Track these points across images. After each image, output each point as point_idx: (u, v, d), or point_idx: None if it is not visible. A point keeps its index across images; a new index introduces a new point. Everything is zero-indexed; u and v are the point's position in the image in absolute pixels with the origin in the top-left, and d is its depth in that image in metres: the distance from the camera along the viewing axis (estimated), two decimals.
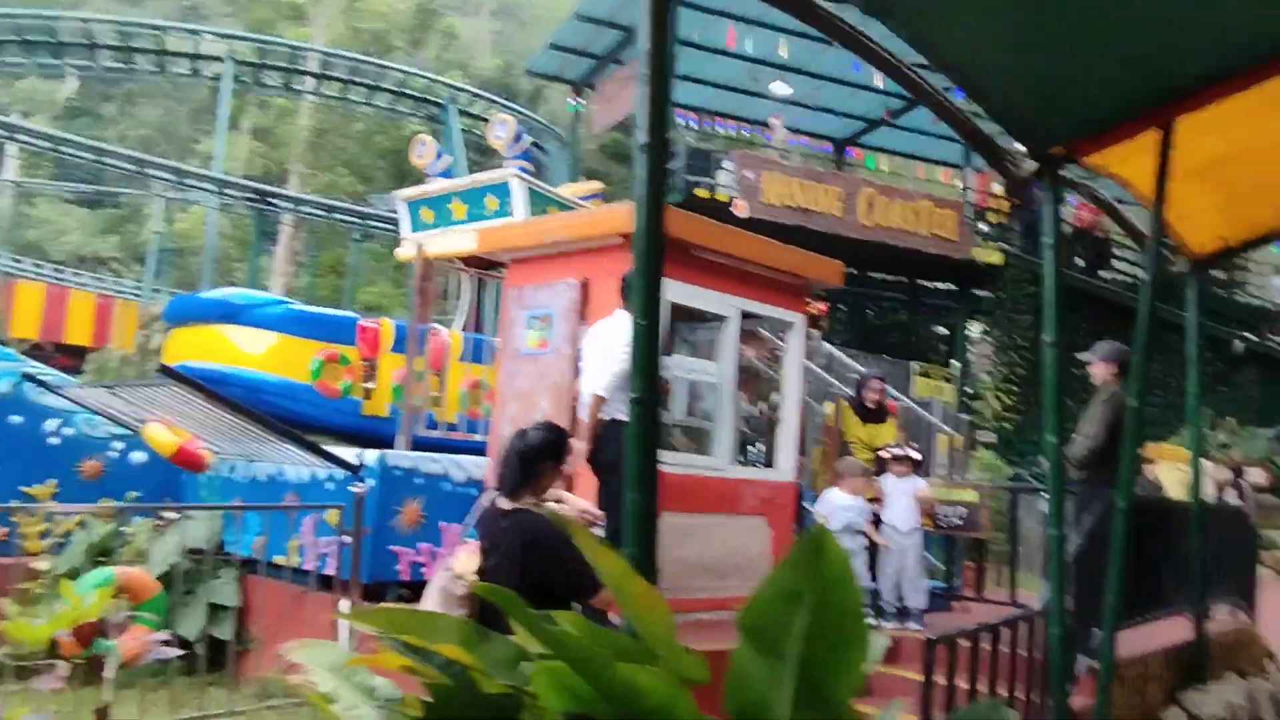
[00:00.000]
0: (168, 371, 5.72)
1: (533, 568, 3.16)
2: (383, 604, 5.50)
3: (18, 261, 23.10)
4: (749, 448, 7.51)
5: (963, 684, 4.35)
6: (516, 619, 1.63)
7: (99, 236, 32.64)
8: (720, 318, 6.30)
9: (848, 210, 16.94)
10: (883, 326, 21.60)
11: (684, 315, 6.80)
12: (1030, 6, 3.85)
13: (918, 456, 7.11)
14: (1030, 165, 4.80)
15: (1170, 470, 12.29)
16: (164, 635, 4.81)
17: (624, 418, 5.25)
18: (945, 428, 9.21)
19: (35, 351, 15.29)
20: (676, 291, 5.92)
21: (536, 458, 3.50)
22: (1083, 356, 6.36)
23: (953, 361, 12.83)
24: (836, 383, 8.56)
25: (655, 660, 1.87)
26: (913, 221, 17.34)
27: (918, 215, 17.40)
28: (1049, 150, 4.74)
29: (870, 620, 6.48)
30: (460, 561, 3.44)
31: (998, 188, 19.18)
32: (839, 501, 6.62)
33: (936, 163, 21.98)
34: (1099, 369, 6.09)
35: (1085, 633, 5.35)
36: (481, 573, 3.39)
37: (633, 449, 2.60)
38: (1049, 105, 4.58)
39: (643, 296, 2.64)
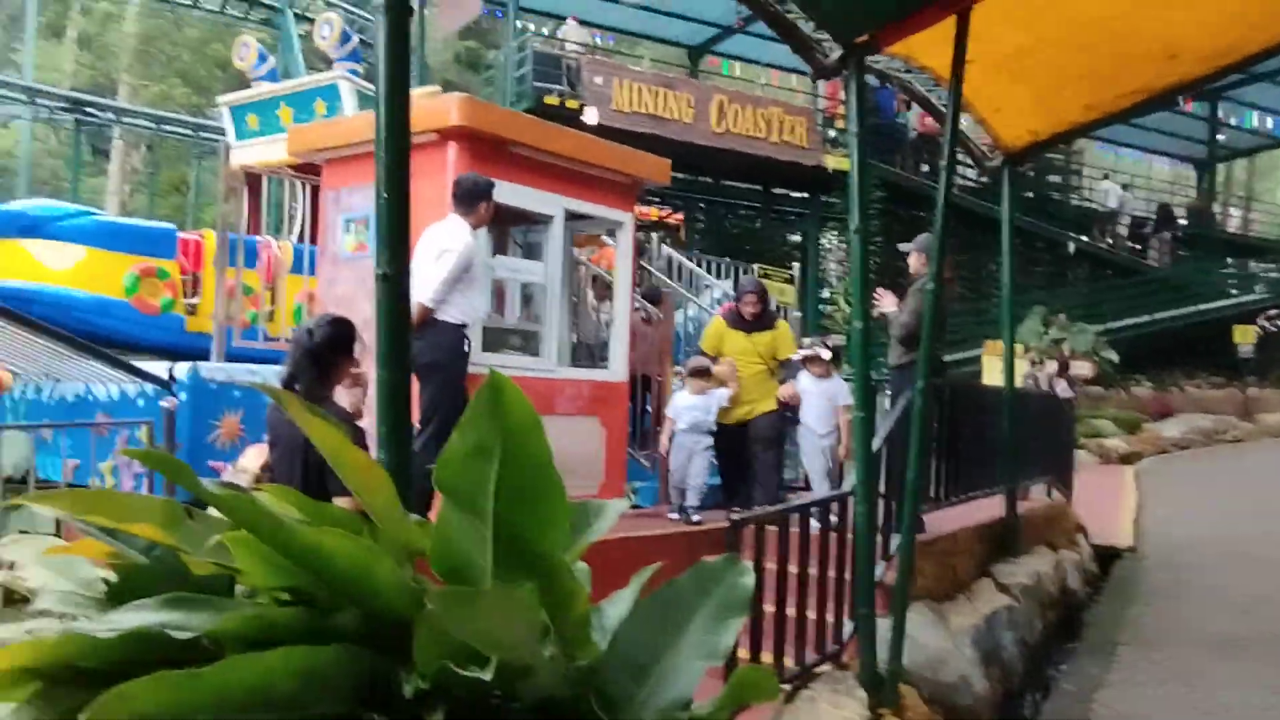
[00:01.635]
0: None
1: (313, 460, 3.07)
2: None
3: None
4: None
5: (772, 565, 4.47)
6: (187, 486, 1.55)
7: None
8: (546, 217, 6.20)
9: (699, 117, 16.88)
10: (739, 235, 21.83)
11: (513, 218, 6.68)
12: None
13: (828, 354, 6.85)
14: (836, 55, 4.82)
15: (994, 362, 12.89)
16: None
17: (452, 320, 5.19)
18: None
19: None
20: (499, 191, 5.79)
21: (326, 354, 3.41)
22: (903, 247, 6.54)
23: (794, 264, 13.11)
24: (674, 285, 8.58)
25: (375, 531, 1.83)
26: (764, 128, 17.43)
27: (769, 122, 17.49)
28: (854, 39, 4.77)
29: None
30: (247, 456, 3.36)
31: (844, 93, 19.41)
32: (683, 402, 6.57)
33: (789, 70, 22.05)
34: (914, 260, 6.27)
35: (899, 510, 5.57)
36: (269, 467, 3.31)
37: (381, 325, 2.51)
38: None
39: (387, 168, 2.54)
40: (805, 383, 6.76)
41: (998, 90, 6.26)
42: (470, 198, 5.27)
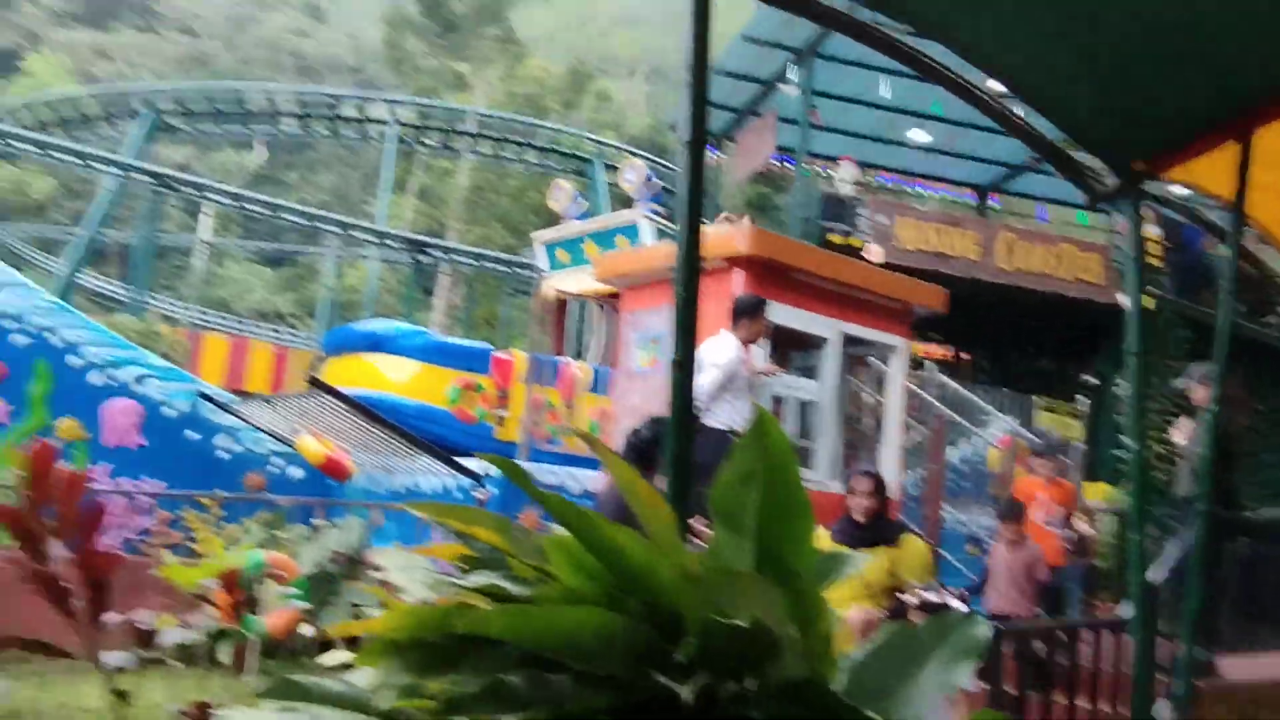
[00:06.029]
0: (315, 383, 6.39)
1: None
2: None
3: (205, 315, 25.30)
4: None
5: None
6: (520, 484, 2.00)
7: (279, 293, 35.33)
8: (822, 339, 6.58)
9: (985, 254, 16.78)
10: (1026, 373, 21.11)
11: (794, 341, 7.11)
12: (1088, 20, 4.04)
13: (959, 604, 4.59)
14: (1113, 182, 4.91)
15: None
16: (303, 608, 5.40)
17: (719, 425, 5.64)
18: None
19: None
20: (779, 313, 6.25)
21: (648, 448, 4.01)
22: (1177, 382, 6.34)
23: (1079, 397, 12.57)
24: (951, 413, 8.61)
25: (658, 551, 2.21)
26: (1054, 265, 17.03)
27: (1059, 259, 17.07)
28: (1129, 166, 4.85)
29: None
30: None
31: (1152, 230, 18.58)
32: None
33: (1082, 207, 21.44)
34: (1198, 392, 6.06)
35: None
36: None
37: (674, 405, 2.93)
38: (1124, 119, 4.68)
39: (682, 269, 3.00)
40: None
41: None
42: (738, 314, 5.74)
